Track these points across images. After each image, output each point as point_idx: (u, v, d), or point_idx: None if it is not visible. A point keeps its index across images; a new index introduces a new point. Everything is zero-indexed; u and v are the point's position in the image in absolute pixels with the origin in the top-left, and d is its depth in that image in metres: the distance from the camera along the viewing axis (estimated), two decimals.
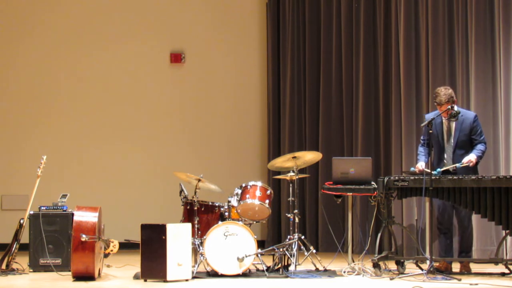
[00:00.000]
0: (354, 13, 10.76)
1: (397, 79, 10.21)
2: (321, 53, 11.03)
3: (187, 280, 7.86)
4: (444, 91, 8.37)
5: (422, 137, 8.66)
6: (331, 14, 10.99)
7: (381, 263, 8.19)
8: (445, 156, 8.47)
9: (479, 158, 8.38)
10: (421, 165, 8.38)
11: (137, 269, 8.15)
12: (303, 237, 8.63)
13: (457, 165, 8.29)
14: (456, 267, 8.56)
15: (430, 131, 8.08)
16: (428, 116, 8.45)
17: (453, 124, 8.44)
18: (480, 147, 8.41)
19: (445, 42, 9.83)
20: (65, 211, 8.82)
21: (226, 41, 11.56)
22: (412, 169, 8.48)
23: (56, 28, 11.32)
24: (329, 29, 11.00)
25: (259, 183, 8.62)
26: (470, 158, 8.30)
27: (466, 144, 8.43)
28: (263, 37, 11.57)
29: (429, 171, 8.03)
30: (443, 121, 8.48)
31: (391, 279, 7.93)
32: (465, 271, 8.39)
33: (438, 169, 8.28)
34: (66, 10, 11.34)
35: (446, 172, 8.31)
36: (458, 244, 8.64)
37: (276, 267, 8.29)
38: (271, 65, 11.43)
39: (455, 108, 8.41)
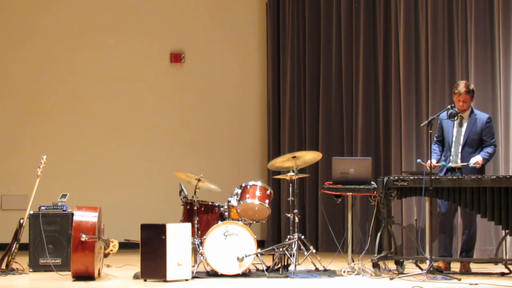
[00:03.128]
0: (354, 13, 10.76)
1: (397, 79, 10.21)
2: (321, 53, 11.03)
3: (187, 280, 7.86)
4: (465, 82, 8.53)
5: (436, 135, 8.70)
6: (331, 14, 10.98)
7: (380, 263, 8.19)
8: (452, 152, 8.48)
9: (486, 160, 8.41)
10: (432, 161, 8.38)
11: (137, 269, 8.15)
12: (303, 237, 8.62)
13: (469, 163, 8.30)
14: (456, 267, 8.56)
15: (430, 131, 8.08)
16: (442, 115, 8.47)
17: (465, 123, 8.46)
18: (488, 149, 8.42)
19: (445, 42, 9.84)
20: (65, 211, 8.82)
21: (226, 41, 11.56)
22: (418, 160, 8.57)
23: (55, 28, 11.31)
24: (329, 29, 11.00)
25: (259, 183, 8.61)
26: (477, 160, 8.32)
27: (475, 143, 8.45)
28: (263, 37, 11.57)
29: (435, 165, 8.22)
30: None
31: (391, 279, 7.93)
32: (465, 271, 8.39)
33: (443, 163, 8.33)
34: (66, 10, 11.34)
35: (452, 170, 8.34)
36: (461, 243, 8.64)
37: (276, 267, 8.29)
38: (271, 65, 11.43)
39: (474, 110, 8.51)
